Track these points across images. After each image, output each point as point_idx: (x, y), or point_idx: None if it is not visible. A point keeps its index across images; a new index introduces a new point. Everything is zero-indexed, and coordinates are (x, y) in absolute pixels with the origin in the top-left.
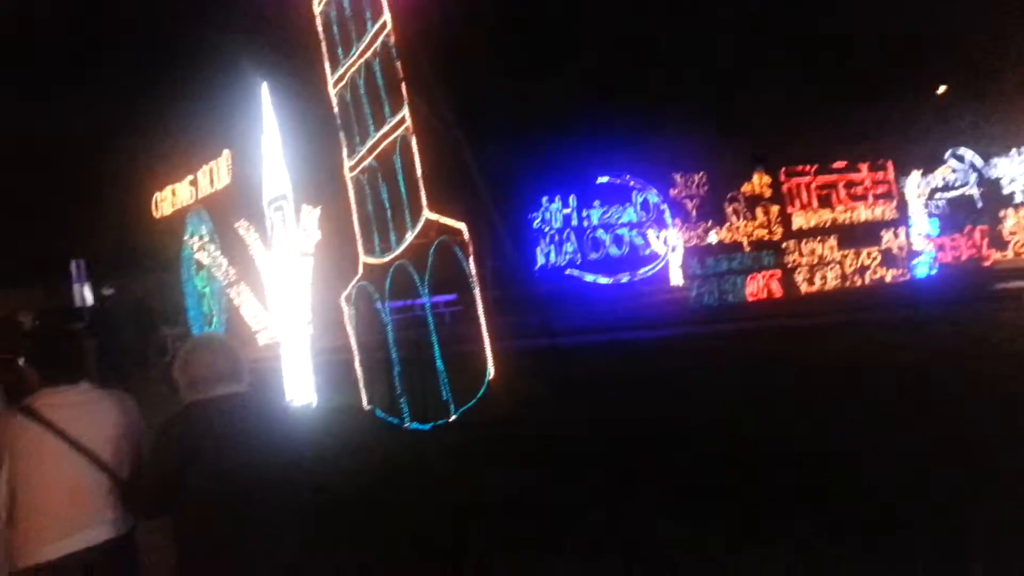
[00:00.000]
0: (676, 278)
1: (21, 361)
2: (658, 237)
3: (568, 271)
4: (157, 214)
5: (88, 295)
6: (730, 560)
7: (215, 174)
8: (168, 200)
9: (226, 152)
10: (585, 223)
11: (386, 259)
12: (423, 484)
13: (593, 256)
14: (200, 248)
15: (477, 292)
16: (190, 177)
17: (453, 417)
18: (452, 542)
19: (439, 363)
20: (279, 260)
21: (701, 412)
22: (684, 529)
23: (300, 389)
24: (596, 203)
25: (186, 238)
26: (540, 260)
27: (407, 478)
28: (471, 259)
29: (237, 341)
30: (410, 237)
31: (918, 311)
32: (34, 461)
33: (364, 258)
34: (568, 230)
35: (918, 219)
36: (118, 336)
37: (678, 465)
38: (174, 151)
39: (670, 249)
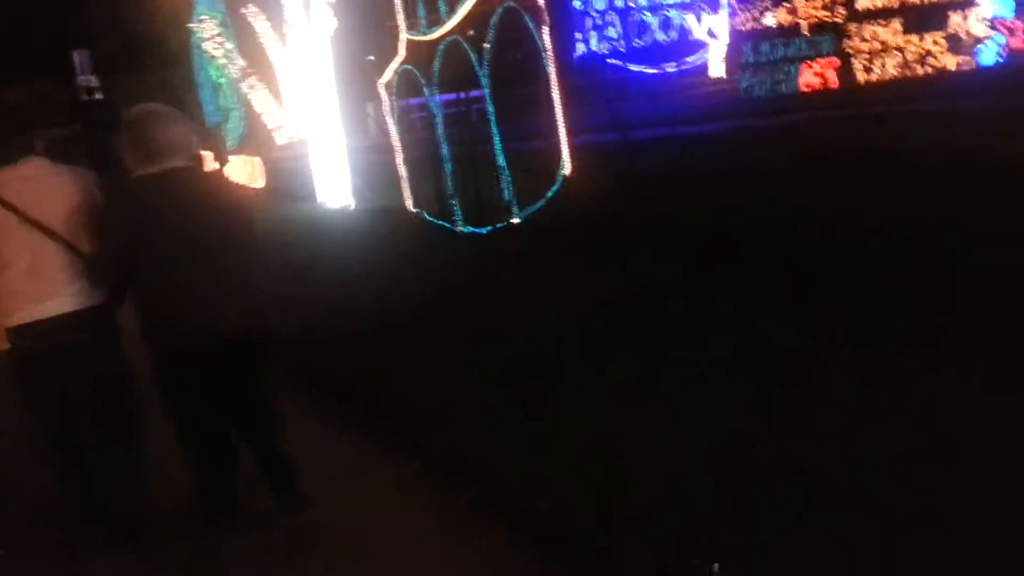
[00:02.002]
0: (717, 69)
1: None
2: (700, 22)
3: (610, 60)
4: None
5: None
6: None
7: None
8: None
9: None
10: (631, 4)
11: (435, 35)
12: (492, 293)
13: (638, 43)
14: (209, 34)
15: (552, 73)
16: None
17: (517, 220)
18: (540, 358)
19: (500, 159)
20: (295, 46)
21: (783, 211)
22: (788, 333)
23: (334, 190)
24: None
25: (194, 23)
26: (580, 48)
27: (472, 288)
28: (546, 31)
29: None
30: (466, 5)
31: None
32: None
33: (407, 35)
34: (611, 12)
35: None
36: (108, 135)
37: (776, 266)
38: None
39: (711, 37)
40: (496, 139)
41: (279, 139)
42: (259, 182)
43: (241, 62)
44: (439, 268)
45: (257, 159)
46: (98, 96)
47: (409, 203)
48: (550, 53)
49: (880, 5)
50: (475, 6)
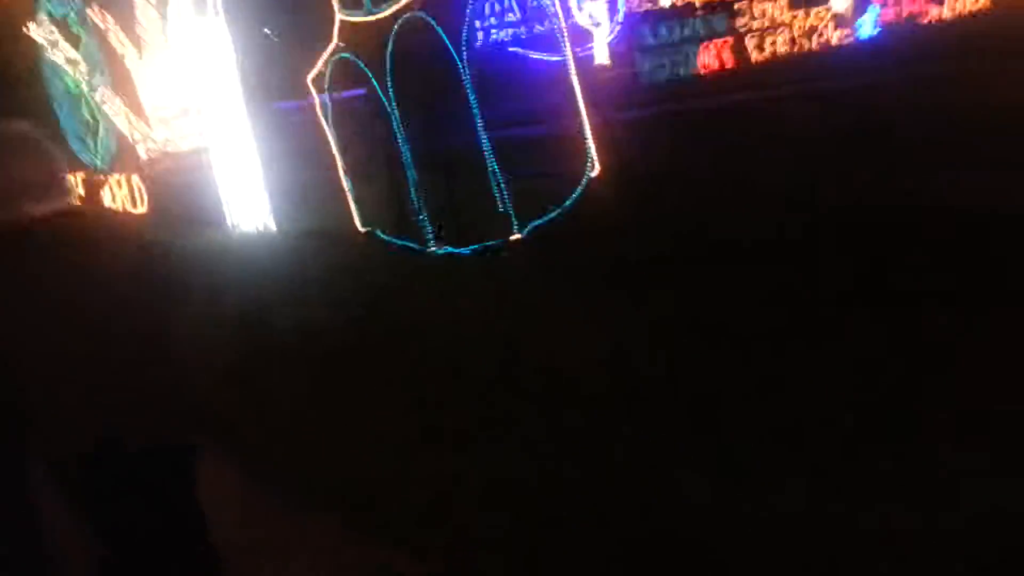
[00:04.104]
0: (602, 56)
1: None
2: (581, 9)
3: (512, 48)
4: None
5: None
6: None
7: None
8: None
9: None
10: None
11: (382, 13)
12: (497, 333)
13: (539, 29)
14: (54, 38)
15: (568, 50)
16: None
17: (517, 235)
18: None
19: (491, 162)
20: (182, 39)
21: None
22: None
23: (245, 210)
24: None
25: (36, 25)
26: (481, 36)
27: (471, 326)
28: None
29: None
30: None
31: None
32: None
33: (343, 15)
34: None
35: None
36: None
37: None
38: None
39: (593, 24)
40: (482, 135)
41: (142, 152)
42: (140, 207)
43: (99, 68)
44: (416, 300)
45: (135, 178)
46: None
47: (357, 221)
48: (562, 24)
49: None
50: None
